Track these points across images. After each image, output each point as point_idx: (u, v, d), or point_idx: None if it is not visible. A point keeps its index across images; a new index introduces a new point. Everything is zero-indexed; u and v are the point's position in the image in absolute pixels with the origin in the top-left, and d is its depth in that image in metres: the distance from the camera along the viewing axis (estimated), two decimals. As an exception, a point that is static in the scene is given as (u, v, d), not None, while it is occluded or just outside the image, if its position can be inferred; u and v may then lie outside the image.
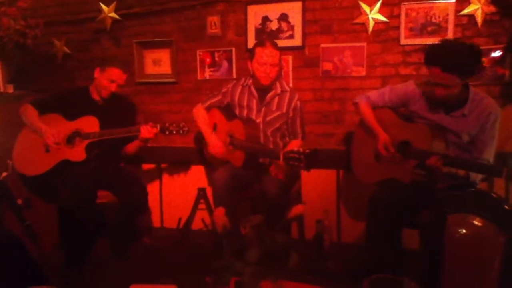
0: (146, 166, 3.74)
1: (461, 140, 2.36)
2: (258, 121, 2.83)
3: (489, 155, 2.35)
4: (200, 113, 2.99)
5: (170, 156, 3.68)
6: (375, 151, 2.60)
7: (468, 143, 2.37)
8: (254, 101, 2.86)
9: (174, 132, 2.74)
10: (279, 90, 2.85)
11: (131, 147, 2.95)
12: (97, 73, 2.88)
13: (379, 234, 2.35)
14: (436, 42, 2.28)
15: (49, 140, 2.69)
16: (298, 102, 2.87)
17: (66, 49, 3.84)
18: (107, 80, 2.83)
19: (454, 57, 2.16)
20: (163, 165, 3.73)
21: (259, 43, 2.81)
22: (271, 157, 2.63)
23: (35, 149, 2.80)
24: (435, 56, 2.22)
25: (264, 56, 2.73)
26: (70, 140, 2.80)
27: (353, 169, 2.80)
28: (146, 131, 2.71)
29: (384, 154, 2.51)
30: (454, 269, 1.64)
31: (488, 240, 1.48)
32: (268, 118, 2.83)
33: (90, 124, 2.79)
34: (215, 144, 2.81)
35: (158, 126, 2.74)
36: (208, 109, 3.00)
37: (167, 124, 2.75)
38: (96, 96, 2.93)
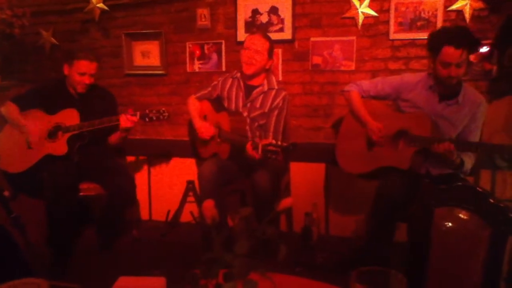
0: (134, 158, 3.72)
1: (456, 128, 2.44)
2: (245, 114, 2.82)
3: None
4: (192, 103, 3.01)
5: (159, 148, 3.66)
6: (366, 140, 2.61)
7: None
8: (241, 95, 2.85)
9: (154, 118, 2.71)
10: (266, 88, 2.80)
11: (114, 138, 2.89)
12: (66, 70, 2.79)
13: (384, 229, 2.40)
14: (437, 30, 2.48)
15: (32, 137, 2.68)
16: (281, 101, 2.77)
17: (53, 40, 3.78)
18: (77, 74, 2.75)
19: (464, 33, 2.31)
20: (152, 158, 3.71)
21: (251, 31, 2.80)
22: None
23: (17, 146, 2.77)
24: (448, 35, 2.32)
25: (249, 40, 2.73)
26: (52, 134, 2.76)
27: (337, 160, 2.77)
28: (125, 120, 2.68)
29: (376, 139, 2.53)
30: (440, 261, 1.66)
31: (474, 233, 1.50)
32: (252, 114, 2.81)
33: (70, 117, 2.76)
34: (203, 127, 2.80)
35: (138, 113, 2.71)
36: (200, 100, 3.02)
37: (147, 111, 2.72)
38: (71, 90, 2.86)
